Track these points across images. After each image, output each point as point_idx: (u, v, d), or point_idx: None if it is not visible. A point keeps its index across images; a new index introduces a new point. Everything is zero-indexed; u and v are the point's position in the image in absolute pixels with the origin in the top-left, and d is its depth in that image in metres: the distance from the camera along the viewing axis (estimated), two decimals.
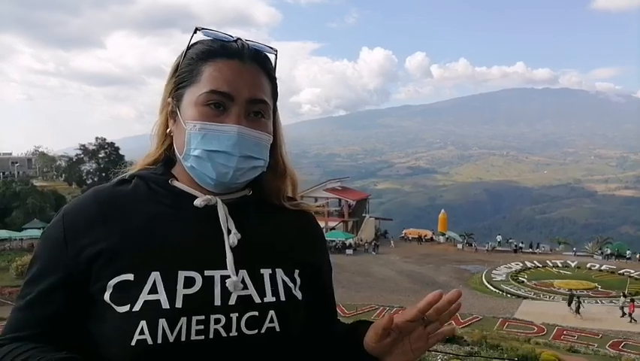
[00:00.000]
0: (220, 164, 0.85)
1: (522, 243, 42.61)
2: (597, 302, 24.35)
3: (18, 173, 62.66)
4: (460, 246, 41.78)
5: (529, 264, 34.22)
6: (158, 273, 0.81)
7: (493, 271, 31.60)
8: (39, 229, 33.13)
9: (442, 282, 28.89)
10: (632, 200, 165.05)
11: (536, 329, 17.87)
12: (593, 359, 13.68)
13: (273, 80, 0.93)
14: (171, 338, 0.78)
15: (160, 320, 0.78)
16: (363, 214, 45.29)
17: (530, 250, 40.48)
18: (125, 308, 0.79)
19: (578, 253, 38.76)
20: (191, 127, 0.85)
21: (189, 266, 0.83)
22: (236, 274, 0.85)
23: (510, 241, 44.73)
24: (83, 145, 54.11)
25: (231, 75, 0.86)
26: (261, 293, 0.87)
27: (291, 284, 0.91)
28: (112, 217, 0.85)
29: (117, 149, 54.86)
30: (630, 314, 20.30)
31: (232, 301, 0.84)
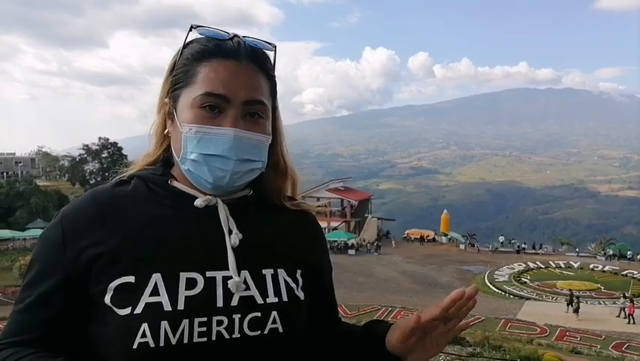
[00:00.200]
0: (217, 168, 0.84)
1: (525, 243, 42.49)
2: (600, 303, 24.29)
3: (21, 173, 62.94)
4: (462, 246, 41.74)
5: (531, 265, 34.12)
6: (160, 275, 0.81)
7: (496, 272, 31.54)
8: (42, 228, 32.35)
9: (445, 283, 28.84)
10: (636, 201, 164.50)
11: (539, 330, 17.84)
12: (596, 360, 13.64)
13: (271, 78, 0.91)
14: (173, 341, 0.77)
15: (162, 322, 0.77)
16: (366, 215, 45.25)
17: (533, 250, 40.38)
18: (127, 311, 0.78)
19: (580, 254, 38.61)
20: (187, 130, 0.84)
21: (191, 267, 0.83)
22: (239, 275, 0.84)
23: (513, 241, 44.61)
24: (86, 145, 54.39)
25: (227, 76, 0.84)
26: (264, 294, 0.86)
27: (293, 285, 0.90)
28: (111, 219, 0.84)
29: (120, 149, 55.07)
30: (630, 315, 20.24)
31: (234, 302, 0.83)
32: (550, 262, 34.97)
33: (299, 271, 0.93)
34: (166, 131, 0.91)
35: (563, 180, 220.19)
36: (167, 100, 0.90)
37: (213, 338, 0.80)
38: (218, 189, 0.88)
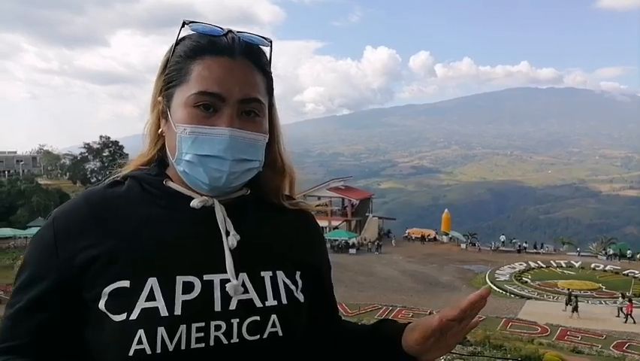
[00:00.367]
0: (213, 168, 0.82)
1: (526, 243, 42.47)
2: (601, 303, 24.27)
3: (23, 171, 62.91)
4: (463, 246, 41.67)
5: (532, 264, 34.10)
6: (155, 279, 0.78)
7: (497, 271, 31.52)
8: None
9: (445, 282, 28.87)
10: (637, 200, 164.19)
11: (540, 329, 17.85)
12: (597, 360, 13.65)
13: (267, 75, 0.88)
14: (171, 347, 0.75)
15: (159, 328, 0.75)
16: (367, 214, 45.28)
17: (534, 250, 40.35)
18: (122, 317, 0.76)
19: (582, 254, 38.58)
20: (182, 130, 0.81)
21: (187, 270, 0.80)
22: (237, 278, 0.82)
23: (514, 241, 44.54)
24: (88, 144, 54.41)
25: (221, 74, 0.81)
26: (262, 297, 0.84)
27: (292, 287, 0.89)
28: (104, 221, 0.82)
29: (121, 147, 55.07)
30: (629, 315, 20.24)
31: (233, 306, 0.81)
32: (552, 262, 34.93)
33: (298, 273, 0.91)
34: (160, 130, 0.89)
35: (565, 179, 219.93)
36: (160, 99, 0.87)
37: (211, 343, 0.78)
38: (214, 190, 0.85)
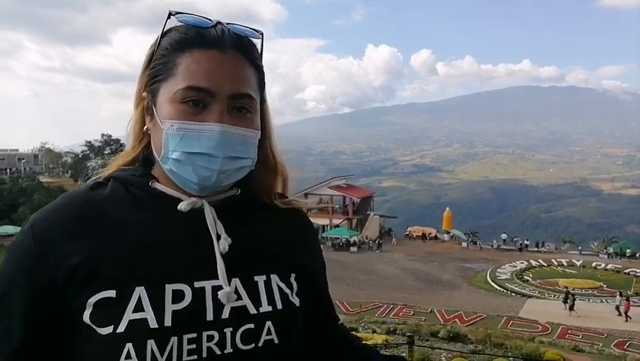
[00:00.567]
0: (202, 167, 0.76)
1: (527, 241, 42.53)
2: (602, 302, 24.27)
3: (24, 169, 63.11)
4: (464, 244, 41.71)
5: (534, 263, 34.11)
6: (143, 288, 0.73)
7: (498, 270, 31.53)
8: None
9: (446, 280, 28.90)
10: (639, 199, 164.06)
11: (541, 327, 17.84)
12: (598, 358, 13.63)
13: (258, 69, 0.83)
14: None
15: (148, 341, 0.70)
16: (368, 212, 45.35)
17: (535, 248, 40.41)
18: (108, 330, 0.71)
19: (583, 252, 38.65)
20: (169, 127, 0.76)
21: (177, 278, 0.75)
22: (229, 284, 0.77)
23: (515, 239, 44.59)
24: (89, 142, 54.73)
25: (210, 68, 0.76)
26: (256, 303, 0.79)
27: (287, 290, 0.84)
28: (87, 226, 0.76)
29: (122, 145, 54.59)
30: (625, 313, 20.27)
31: (225, 314, 0.76)
32: (553, 260, 34.98)
33: (293, 275, 0.87)
34: (145, 127, 0.84)
35: (566, 178, 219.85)
36: (145, 94, 0.82)
37: (204, 355, 0.73)
38: (204, 190, 0.80)
